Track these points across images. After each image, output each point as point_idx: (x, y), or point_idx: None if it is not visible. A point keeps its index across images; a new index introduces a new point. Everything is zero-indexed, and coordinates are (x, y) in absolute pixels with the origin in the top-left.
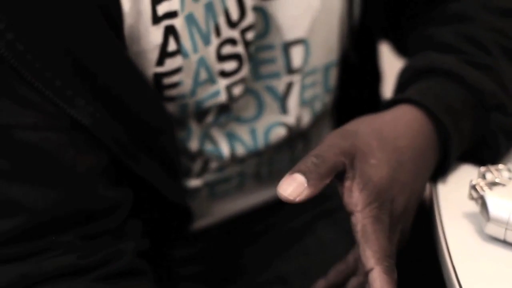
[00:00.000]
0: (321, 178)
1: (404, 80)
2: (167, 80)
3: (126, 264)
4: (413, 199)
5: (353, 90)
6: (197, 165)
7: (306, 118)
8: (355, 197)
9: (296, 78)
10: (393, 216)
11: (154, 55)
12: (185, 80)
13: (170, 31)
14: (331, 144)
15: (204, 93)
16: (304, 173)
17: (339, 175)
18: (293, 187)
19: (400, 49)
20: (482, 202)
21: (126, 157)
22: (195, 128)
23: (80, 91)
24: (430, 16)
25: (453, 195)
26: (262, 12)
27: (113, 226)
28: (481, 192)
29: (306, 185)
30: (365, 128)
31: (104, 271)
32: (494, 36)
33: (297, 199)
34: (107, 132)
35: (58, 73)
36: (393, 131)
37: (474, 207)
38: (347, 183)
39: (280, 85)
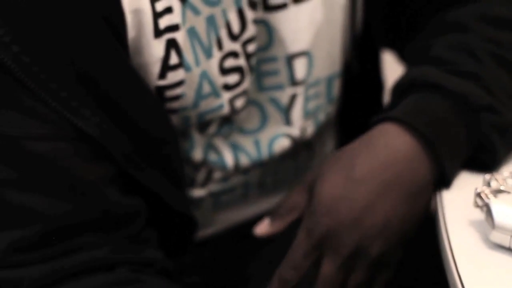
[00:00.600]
0: (281, 218)
1: (394, 98)
2: (169, 93)
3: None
4: (375, 213)
5: (356, 99)
6: (201, 175)
7: (310, 129)
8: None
9: (299, 90)
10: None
11: (156, 68)
12: (188, 93)
13: (172, 44)
14: (294, 189)
15: (207, 106)
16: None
17: None
18: (263, 227)
19: (403, 57)
20: (487, 210)
21: (131, 167)
22: (198, 139)
23: (85, 102)
24: (428, 25)
25: (458, 203)
26: (265, 24)
27: (134, 233)
28: (486, 200)
29: (270, 223)
30: (330, 156)
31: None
32: (487, 45)
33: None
34: (112, 142)
35: (63, 84)
36: (350, 151)
37: (479, 214)
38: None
39: (283, 96)
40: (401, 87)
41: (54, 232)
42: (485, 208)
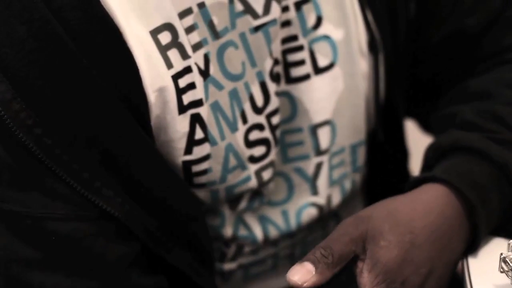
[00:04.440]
0: (328, 268)
1: (430, 160)
2: (196, 168)
3: None
4: (432, 279)
5: (381, 167)
6: (231, 250)
7: (336, 198)
8: (364, 278)
9: (324, 159)
10: None
11: (182, 143)
12: (215, 167)
13: (196, 119)
14: (342, 233)
15: (234, 179)
16: (312, 262)
17: (355, 258)
18: (301, 273)
19: (426, 127)
20: None
21: (157, 247)
22: (228, 215)
23: (108, 182)
24: (451, 94)
25: (484, 267)
26: (288, 96)
27: None
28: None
29: (314, 272)
30: (379, 212)
31: None
32: None
33: (305, 285)
34: (136, 222)
35: (86, 166)
36: (409, 212)
37: (505, 279)
38: (359, 265)
39: (309, 166)
40: (439, 149)
41: None
42: (510, 273)
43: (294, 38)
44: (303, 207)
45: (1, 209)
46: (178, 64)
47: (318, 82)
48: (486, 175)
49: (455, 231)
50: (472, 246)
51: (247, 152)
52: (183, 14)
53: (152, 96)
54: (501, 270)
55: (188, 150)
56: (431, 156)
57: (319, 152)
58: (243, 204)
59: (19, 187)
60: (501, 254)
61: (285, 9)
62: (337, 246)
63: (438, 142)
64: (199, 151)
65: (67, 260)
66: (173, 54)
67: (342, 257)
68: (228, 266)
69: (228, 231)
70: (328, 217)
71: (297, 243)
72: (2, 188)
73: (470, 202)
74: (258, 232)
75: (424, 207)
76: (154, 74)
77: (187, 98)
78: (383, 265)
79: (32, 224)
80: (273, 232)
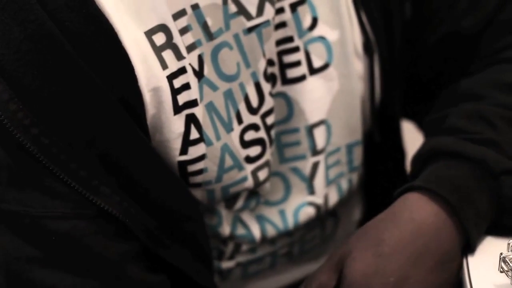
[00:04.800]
0: None
1: (414, 170)
2: (192, 168)
3: None
4: (407, 285)
5: (379, 167)
6: (229, 248)
7: (333, 197)
8: None
9: (321, 158)
10: None
11: (177, 144)
12: (210, 167)
13: (191, 119)
14: (321, 266)
15: (230, 179)
16: None
17: None
18: None
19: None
20: None
21: (155, 245)
22: (225, 214)
23: (105, 181)
24: (442, 97)
25: (483, 267)
26: (284, 97)
27: None
28: (511, 265)
29: None
30: (356, 233)
31: None
32: (501, 111)
33: None
34: (134, 221)
35: (83, 164)
36: (377, 226)
37: (504, 279)
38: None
39: (306, 166)
40: (420, 157)
41: None
42: (510, 273)
43: (289, 39)
44: (300, 207)
45: (0, 209)
46: (173, 64)
47: (313, 83)
48: (466, 175)
49: (437, 236)
50: (468, 247)
51: (243, 153)
52: (177, 16)
53: (147, 96)
54: (501, 270)
55: (184, 151)
56: (414, 167)
57: (315, 152)
58: (239, 203)
59: (17, 187)
60: (501, 254)
61: (280, 10)
62: (318, 276)
63: (418, 151)
64: (194, 151)
65: (67, 258)
66: (168, 55)
67: (325, 285)
68: (226, 264)
69: (225, 230)
70: (326, 217)
71: (295, 242)
72: (1, 188)
73: (452, 205)
74: (256, 231)
75: (394, 217)
76: (149, 74)
77: (182, 98)
78: (349, 281)
79: (31, 223)
80: (271, 231)
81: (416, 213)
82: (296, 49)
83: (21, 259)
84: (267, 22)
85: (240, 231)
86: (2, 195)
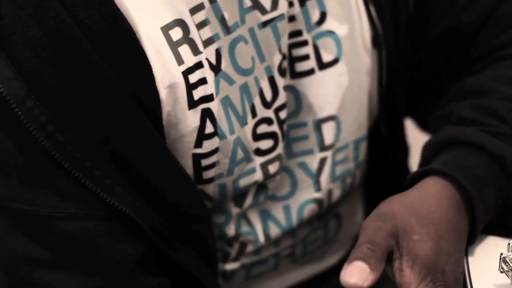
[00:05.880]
0: (380, 262)
1: (427, 155)
2: (205, 162)
3: None
4: (459, 268)
5: (381, 163)
6: (234, 250)
7: (337, 193)
8: (407, 276)
9: (328, 154)
10: None
11: (192, 137)
12: (223, 160)
13: (207, 114)
14: (376, 228)
15: (240, 171)
16: (363, 260)
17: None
18: (357, 274)
19: (423, 125)
20: None
21: (164, 245)
22: (234, 213)
23: (118, 180)
24: (447, 94)
25: (484, 267)
26: (293, 90)
27: None
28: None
29: (369, 270)
30: (399, 208)
31: None
32: (508, 105)
33: (365, 285)
34: (145, 220)
35: (97, 163)
36: (426, 204)
37: (505, 279)
38: (397, 264)
39: (313, 161)
40: (436, 145)
41: None
42: (510, 274)
43: (298, 33)
44: (305, 203)
45: (9, 208)
46: (189, 59)
47: (322, 77)
48: (483, 168)
49: (462, 223)
50: (469, 240)
51: (253, 145)
52: (195, 10)
53: (163, 93)
54: (501, 270)
55: (198, 144)
56: (428, 153)
57: (323, 147)
58: (248, 200)
59: (28, 185)
60: (501, 254)
61: (289, 4)
62: (379, 239)
63: (434, 138)
64: (208, 145)
65: (73, 260)
66: (184, 50)
67: (387, 249)
68: (230, 266)
69: (231, 229)
70: (328, 216)
71: (298, 243)
72: (12, 187)
73: (470, 195)
74: (259, 229)
75: (436, 199)
76: (164, 70)
77: (197, 93)
78: (423, 259)
79: (40, 223)
80: (274, 230)
81: (453, 199)
82: (304, 43)
83: (28, 260)
84: (281, 16)
85: (245, 228)
86: (13, 194)
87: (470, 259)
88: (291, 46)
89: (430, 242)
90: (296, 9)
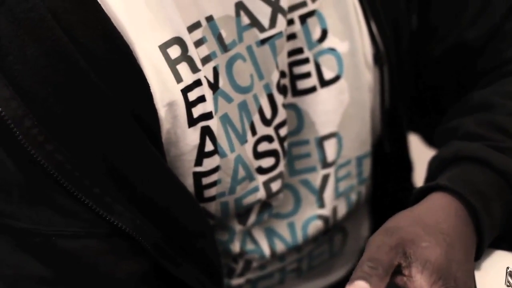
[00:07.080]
0: (381, 280)
1: (433, 170)
2: (206, 180)
3: None
4: (471, 279)
5: (386, 179)
6: (239, 266)
7: (342, 210)
8: (417, 281)
9: (331, 171)
10: None
11: (192, 156)
12: (224, 178)
13: (206, 132)
14: (379, 244)
15: (243, 190)
16: (364, 279)
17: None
18: None
19: (429, 140)
20: None
21: (166, 262)
22: (238, 230)
23: (118, 198)
24: (453, 108)
25: (491, 281)
26: (295, 108)
27: None
28: None
29: None
30: (405, 221)
31: None
32: None
33: None
34: (147, 238)
35: (97, 181)
36: (433, 216)
37: None
38: (406, 272)
39: (316, 178)
40: (443, 160)
41: None
42: None
43: (299, 51)
44: (309, 220)
45: (11, 227)
46: (188, 77)
47: (324, 95)
48: (489, 183)
49: (469, 236)
50: (476, 256)
51: (255, 163)
52: (192, 28)
53: (162, 111)
54: (508, 284)
55: (199, 162)
56: (434, 168)
57: (325, 164)
58: (252, 218)
59: (29, 204)
60: (507, 268)
61: (290, 22)
62: (381, 256)
63: (440, 154)
64: (209, 163)
65: (75, 278)
66: (183, 67)
67: (389, 266)
68: (236, 281)
69: (236, 246)
70: (334, 231)
71: (304, 257)
72: (13, 206)
73: (476, 211)
74: (265, 246)
75: (444, 211)
76: (163, 88)
77: (196, 111)
78: (433, 263)
79: (42, 242)
80: (279, 246)
81: (460, 213)
82: (306, 61)
83: (30, 279)
84: (279, 34)
85: (250, 246)
86: (13, 213)
87: (476, 273)
88: (293, 64)
89: (439, 248)
90: (297, 26)
